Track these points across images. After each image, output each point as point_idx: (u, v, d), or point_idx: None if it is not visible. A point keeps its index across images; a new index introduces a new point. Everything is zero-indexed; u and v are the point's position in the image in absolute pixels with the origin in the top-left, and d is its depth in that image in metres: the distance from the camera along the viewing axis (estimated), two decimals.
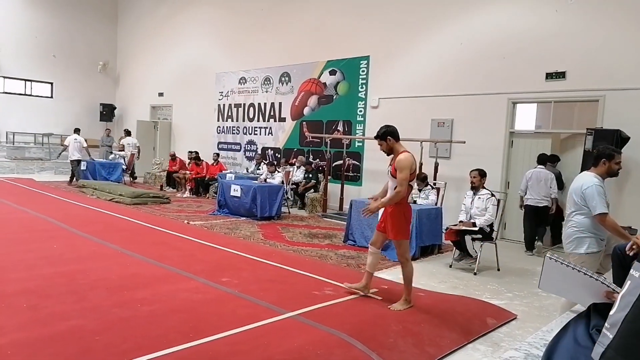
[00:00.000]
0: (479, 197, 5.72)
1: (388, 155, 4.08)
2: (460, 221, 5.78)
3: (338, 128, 10.47)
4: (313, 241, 6.83)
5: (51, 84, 16.66)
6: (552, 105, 7.58)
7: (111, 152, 14.00)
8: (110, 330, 3.16)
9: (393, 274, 5.24)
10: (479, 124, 8.14)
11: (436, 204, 6.75)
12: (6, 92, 15.72)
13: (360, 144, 10.05)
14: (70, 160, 12.20)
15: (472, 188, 5.84)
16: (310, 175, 10.19)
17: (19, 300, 3.59)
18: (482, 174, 5.80)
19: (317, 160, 10.85)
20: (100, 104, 17.19)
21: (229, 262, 5.25)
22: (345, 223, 7.20)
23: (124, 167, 13.09)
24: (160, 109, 16.24)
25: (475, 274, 5.47)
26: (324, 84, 10.81)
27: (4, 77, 15.62)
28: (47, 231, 6.30)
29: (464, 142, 7.97)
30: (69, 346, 2.89)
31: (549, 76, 7.38)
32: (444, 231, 5.97)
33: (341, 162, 9.96)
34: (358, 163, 10.08)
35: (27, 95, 16.25)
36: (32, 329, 3.11)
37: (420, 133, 8.60)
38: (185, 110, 14.98)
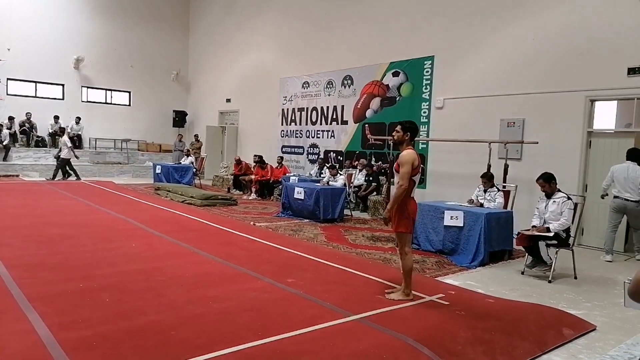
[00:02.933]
0: (554, 201, 5.42)
1: (395, 144, 4.44)
2: (533, 226, 5.50)
3: None
4: (376, 244, 6.79)
5: (129, 92, 17.86)
6: (635, 102, 7.02)
7: (182, 156, 14.75)
8: (185, 325, 3.33)
9: (460, 280, 5.10)
10: (553, 123, 7.72)
11: (505, 208, 6.48)
12: (89, 101, 17.06)
13: (424, 145, 9.86)
14: (61, 158, 13.18)
15: (546, 194, 5.56)
16: (371, 178, 10.14)
17: (102, 295, 3.88)
18: (547, 179, 5.48)
19: (380, 162, 10.78)
20: (173, 111, 18.17)
21: (294, 263, 5.35)
22: None
23: (195, 169, 13.72)
24: (228, 114, 16.88)
25: (549, 281, 5.19)
26: (387, 85, 10.72)
27: (88, 87, 16.95)
28: (126, 230, 6.75)
29: (537, 143, 7.59)
30: (148, 339, 3.08)
31: (632, 71, 6.84)
32: (515, 236, 5.71)
33: None
34: (422, 165, 9.87)
35: (107, 103, 17.53)
36: (115, 322, 3.34)
37: (488, 134, 8.30)
38: (251, 115, 15.46)
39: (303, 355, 2.97)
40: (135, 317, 3.45)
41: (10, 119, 14.94)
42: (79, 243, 5.77)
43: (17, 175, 13.75)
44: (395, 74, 10.51)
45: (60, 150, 13.42)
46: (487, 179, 6.58)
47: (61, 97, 16.46)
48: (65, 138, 13.40)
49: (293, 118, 13.57)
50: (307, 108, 13.06)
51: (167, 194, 11.16)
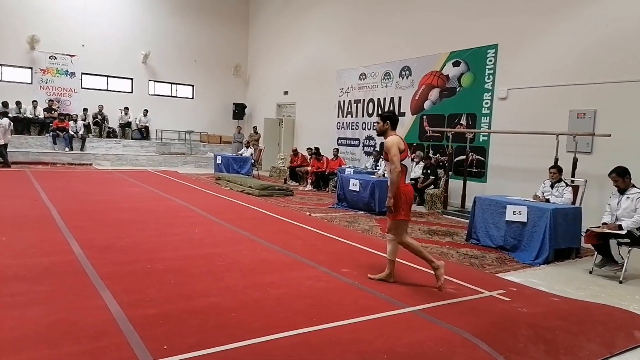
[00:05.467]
0: (628, 197, 5.06)
1: (379, 135, 4.57)
2: (604, 223, 5.18)
3: (461, 122, 10.03)
4: (433, 238, 6.66)
5: (192, 86, 18.57)
6: None
7: (241, 147, 15.18)
8: (244, 308, 3.45)
9: (522, 277, 4.90)
10: (628, 114, 7.18)
11: (574, 204, 6.13)
12: (156, 94, 17.91)
13: (486, 138, 9.51)
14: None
15: (619, 190, 5.21)
16: (429, 171, 9.93)
17: (167, 277, 4.09)
18: (621, 173, 5.12)
19: (438, 155, 10.53)
20: (233, 104, 18.70)
21: (348, 254, 5.37)
22: (467, 221, 6.91)
23: (253, 160, 14.07)
24: (285, 106, 17.12)
25: (620, 282, 4.87)
26: (447, 76, 10.43)
27: (155, 81, 17.80)
28: (189, 217, 7.05)
29: (609, 136, 7.10)
30: (209, 320, 3.22)
31: None
32: (584, 234, 5.40)
33: (464, 157, 9.53)
34: (483, 158, 9.56)
35: (172, 96, 18.32)
36: (178, 303, 3.52)
37: (555, 126, 7.87)
38: (307, 108, 15.60)
39: (357, 343, 2.98)
40: (197, 299, 3.61)
41: (85, 110, 16.00)
42: (145, 227, 6.10)
43: (91, 164, 14.72)
44: (456, 64, 10.20)
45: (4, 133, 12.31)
46: (557, 170, 6.25)
47: (130, 91, 17.40)
48: (5, 120, 12.47)
49: (349, 110, 13.54)
50: (364, 100, 12.98)
51: (227, 183, 11.53)
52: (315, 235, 6.29)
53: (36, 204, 7.32)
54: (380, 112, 4.54)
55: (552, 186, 6.25)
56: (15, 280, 3.81)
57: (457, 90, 10.20)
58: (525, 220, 5.70)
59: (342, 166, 11.55)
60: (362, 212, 8.53)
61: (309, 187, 11.93)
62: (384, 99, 12.27)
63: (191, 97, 18.66)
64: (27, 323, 3.01)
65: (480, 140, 9.59)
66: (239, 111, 18.64)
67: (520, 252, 5.73)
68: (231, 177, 11.96)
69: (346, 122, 13.65)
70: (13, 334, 2.84)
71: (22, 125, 14.84)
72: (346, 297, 3.85)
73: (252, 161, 14.04)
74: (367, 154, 12.61)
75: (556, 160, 7.12)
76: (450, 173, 9.54)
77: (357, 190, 8.66)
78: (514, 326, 3.38)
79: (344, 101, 13.75)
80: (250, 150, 14.38)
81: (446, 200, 9.34)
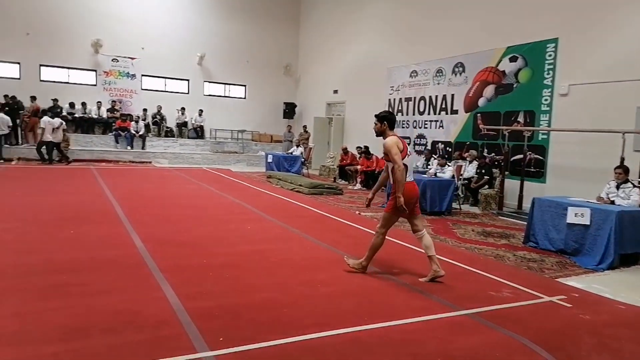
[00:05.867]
0: None
1: (377, 136, 4.54)
2: None
3: (518, 119, 9.66)
4: (487, 240, 6.46)
5: (244, 86, 19.00)
6: None
7: (291, 147, 15.37)
8: (295, 305, 3.50)
9: (584, 282, 4.66)
10: None
11: None
12: (210, 95, 18.47)
13: (545, 136, 9.11)
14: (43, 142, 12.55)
15: None
16: (483, 171, 9.63)
17: (223, 272, 4.22)
18: None
19: (493, 154, 10.19)
20: (284, 103, 18.96)
21: (399, 254, 5.32)
22: (524, 223, 6.65)
23: (303, 159, 14.21)
24: (335, 105, 17.15)
25: None
26: (503, 72, 10.07)
27: (209, 82, 18.35)
28: (242, 214, 7.23)
29: None
30: (263, 315, 3.29)
31: None
32: None
33: (521, 156, 9.17)
34: (542, 157, 9.16)
35: (225, 97, 18.83)
36: (234, 297, 3.62)
37: (621, 123, 7.41)
38: (357, 106, 15.54)
39: (410, 344, 2.95)
40: (251, 293, 3.70)
41: (144, 111, 16.75)
42: (201, 223, 6.32)
43: (150, 162, 15.39)
44: (513, 59, 9.82)
45: (53, 131, 12.58)
46: (623, 170, 5.89)
47: (186, 92, 18.04)
48: (56, 120, 12.79)
49: (400, 108, 13.37)
50: (415, 98, 12.78)
51: (277, 181, 11.72)
52: (366, 234, 6.25)
53: (101, 199, 7.76)
54: (380, 113, 4.56)
55: (617, 187, 5.90)
56: (83, 271, 4.07)
57: (514, 86, 9.82)
58: (589, 223, 5.41)
59: None
60: None
61: (358, 186, 11.90)
62: (436, 96, 12.02)
63: (243, 97, 19.10)
64: (95, 311, 3.20)
65: (539, 138, 9.20)
66: (290, 110, 18.88)
67: (583, 256, 5.45)
68: (282, 176, 12.15)
69: (397, 121, 13.47)
70: (83, 320, 3.04)
71: (87, 125, 15.75)
72: (397, 297, 3.82)
73: (302, 160, 14.19)
74: (418, 152, 12.40)
75: (622, 159, 6.70)
76: (506, 173, 9.21)
77: None
78: (576, 333, 3.23)
79: (394, 99, 13.60)
80: (301, 149, 14.53)
81: (501, 201, 9.03)
